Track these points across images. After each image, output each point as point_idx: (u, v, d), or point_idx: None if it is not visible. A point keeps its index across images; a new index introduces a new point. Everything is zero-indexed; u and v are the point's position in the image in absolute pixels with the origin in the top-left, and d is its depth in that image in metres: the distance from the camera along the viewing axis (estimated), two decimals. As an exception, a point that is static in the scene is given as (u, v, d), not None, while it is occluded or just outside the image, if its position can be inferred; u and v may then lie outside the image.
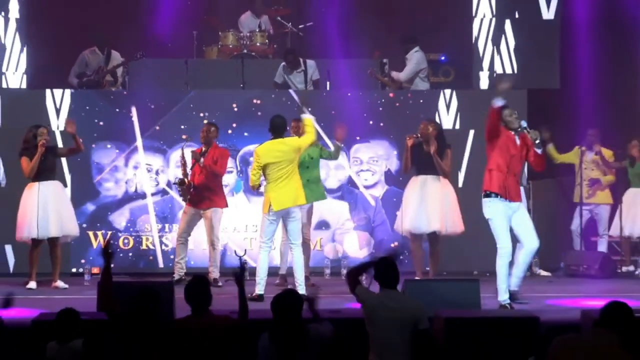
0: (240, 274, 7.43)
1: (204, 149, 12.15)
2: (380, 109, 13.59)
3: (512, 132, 10.07)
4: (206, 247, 12.43)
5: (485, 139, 10.45)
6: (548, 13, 14.37)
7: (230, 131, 13.35)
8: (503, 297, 10.09)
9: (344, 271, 12.60)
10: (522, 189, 11.39)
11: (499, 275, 10.21)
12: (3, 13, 14.18)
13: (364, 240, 13.52)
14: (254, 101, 13.42)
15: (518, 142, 10.08)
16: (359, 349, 7.72)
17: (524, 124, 10.07)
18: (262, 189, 11.24)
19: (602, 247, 13.74)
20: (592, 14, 14.61)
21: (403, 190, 12.63)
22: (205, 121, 12.61)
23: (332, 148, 12.09)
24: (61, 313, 7.77)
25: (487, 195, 10.25)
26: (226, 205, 12.31)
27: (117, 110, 13.45)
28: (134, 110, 13.35)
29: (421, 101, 13.63)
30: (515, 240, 10.50)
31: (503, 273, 10.18)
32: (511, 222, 10.19)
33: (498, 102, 9.98)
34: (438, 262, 12.33)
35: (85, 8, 14.76)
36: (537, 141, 10.06)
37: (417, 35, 14.12)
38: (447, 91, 13.76)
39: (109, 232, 13.24)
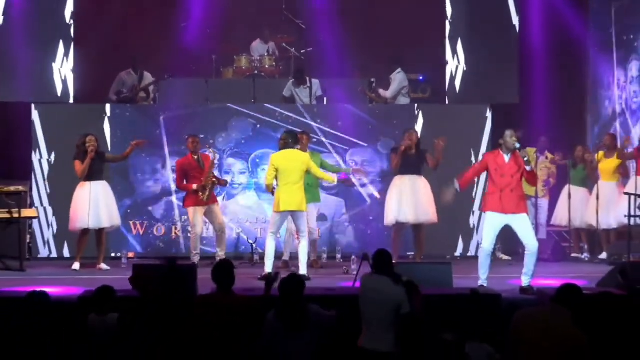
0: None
1: (194, 156, 12.18)
2: (370, 119, 13.59)
3: (502, 153, 9.94)
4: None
5: None
6: (509, 38, 14.35)
7: (243, 140, 13.39)
8: (480, 281, 10.01)
9: (339, 256, 12.80)
10: None
11: (479, 266, 10.15)
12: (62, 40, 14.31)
13: (358, 232, 13.50)
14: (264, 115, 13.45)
15: (507, 160, 9.92)
16: (352, 321, 7.69)
17: (517, 145, 9.91)
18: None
19: (542, 234, 13.66)
20: (545, 38, 14.64)
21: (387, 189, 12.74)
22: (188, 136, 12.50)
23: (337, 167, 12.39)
24: (99, 289, 7.85)
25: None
26: (217, 202, 12.41)
27: (149, 121, 13.47)
28: (162, 120, 13.38)
29: (403, 114, 13.64)
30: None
31: (480, 263, 10.10)
32: (513, 227, 10.01)
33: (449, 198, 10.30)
34: (423, 248, 12.30)
35: (124, 37, 14.78)
36: (526, 159, 9.92)
37: (399, 58, 14.10)
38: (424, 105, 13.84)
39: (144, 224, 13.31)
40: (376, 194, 13.36)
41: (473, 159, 13.44)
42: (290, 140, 10.98)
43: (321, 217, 12.97)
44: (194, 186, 12.04)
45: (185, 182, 12.16)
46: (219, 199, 12.74)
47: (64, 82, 14.14)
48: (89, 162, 11.89)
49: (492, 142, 13.46)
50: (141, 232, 13.32)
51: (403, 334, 7.45)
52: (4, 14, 13.81)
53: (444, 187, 10.48)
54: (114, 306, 7.69)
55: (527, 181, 10.34)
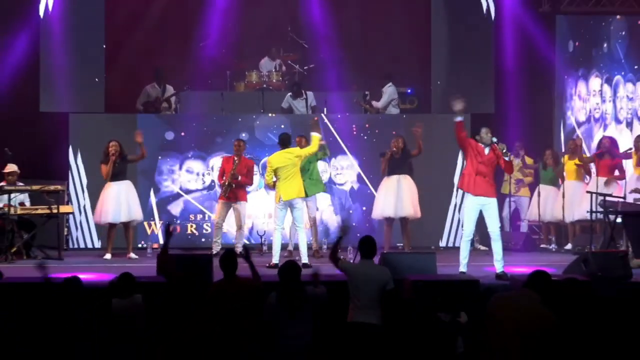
0: (246, 254, 7.65)
1: (235, 159, 12.16)
2: (367, 126, 13.58)
3: (483, 145, 9.92)
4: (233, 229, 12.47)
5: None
6: (486, 55, 14.33)
7: (255, 147, 13.36)
8: (461, 268, 9.98)
9: (324, 247, 12.72)
10: None
11: (460, 251, 10.12)
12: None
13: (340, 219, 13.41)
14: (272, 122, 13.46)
15: (487, 152, 9.90)
16: (344, 303, 7.74)
17: (494, 139, 9.91)
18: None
19: (524, 228, 13.73)
20: (517, 56, 14.61)
21: (369, 187, 12.81)
22: (237, 139, 12.54)
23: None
24: (121, 276, 7.87)
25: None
26: (247, 199, 12.37)
27: (171, 128, 13.46)
28: (184, 128, 13.42)
29: (393, 122, 13.63)
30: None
31: (462, 249, 10.05)
32: (483, 212, 9.94)
33: (457, 118, 9.95)
34: (410, 239, 12.33)
35: (149, 54, 14.79)
36: (504, 151, 9.92)
37: (390, 74, 14.11)
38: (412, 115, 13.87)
39: (169, 220, 13.17)
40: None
41: (459, 160, 13.39)
42: (281, 142, 11.36)
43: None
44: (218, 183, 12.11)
45: (223, 178, 12.19)
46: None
47: (98, 94, 14.10)
48: (110, 165, 11.94)
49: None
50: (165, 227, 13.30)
51: (387, 307, 7.51)
52: (46, 34, 13.81)
53: (452, 99, 10.28)
54: (134, 290, 7.71)
55: (504, 170, 10.42)
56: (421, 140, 12.09)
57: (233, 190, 12.09)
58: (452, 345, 7.67)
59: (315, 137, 11.25)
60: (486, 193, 9.95)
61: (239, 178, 12.08)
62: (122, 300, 7.63)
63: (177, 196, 13.42)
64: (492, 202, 10.01)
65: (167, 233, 8.01)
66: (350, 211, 13.43)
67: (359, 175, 13.51)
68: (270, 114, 13.58)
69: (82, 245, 13.30)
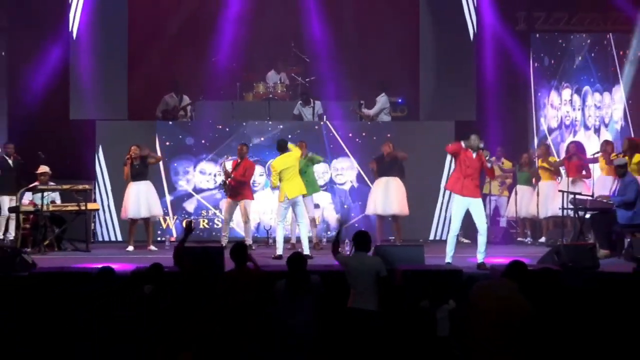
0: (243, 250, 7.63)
1: (239, 160, 12.12)
2: (362, 132, 13.58)
3: (471, 150, 9.88)
4: (242, 224, 12.41)
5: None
6: (468, 68, 14.25)
7: (261, 151, 13.37)
8: (447, 259, 9.95)
9: (324, 240, 12.73)
10: None
11: (447, 244, 10.08)
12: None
13: (339, 215, 13.35)
14: (277, 129, 13.44)
15: (474, 156, 9.86)
16: (343, 291, 7.73)
17: (481, 145, 9.88)
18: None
19: (503, 223, 13.69)
20: (496, 68, 14.58)
21: (367, 187, 12.76)
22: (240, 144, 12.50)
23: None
24: (152, 266, 7.89)
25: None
26: (252, 198, 12.29)
27: (187, 134, 13.46)
28: (198, 134, 13.40)
29: (384, 128, 13.61)
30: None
31: (449, 243, 10.04)
32: (470, 210, 9.89)
33: (484, 152, 9.91)
34: (400, 233, 12.34)
35: (167, 67, 14.76)
36: (487, 158, 9.92)
37: (383, 85, 14.09)
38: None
39: (186, 216, 13.20)
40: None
41: (446, 162, 13.38)
42: (279, 148, 11.37)
43: (316, 206, 12.83)
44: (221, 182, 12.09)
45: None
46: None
47: (121, 103, 14.08)
48: (129, 167, 11.96)
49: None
50: (173, 221, 13.31)
51: (382, 293, 7.48)
52: (75, 50, 13.80)
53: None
54: (162, 278, 7.71)
55: (487, 174, 10.39)
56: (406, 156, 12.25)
57: (238, 189, 12.03)
58: (434, 329, 7.66)
59: (302, 151, 11.59)
60: (472, 194, 9.94)
61: (232, 176, 12.00)
62: (152, 287, 7.64)
63: (191, 195, 13.40)
64: (478, 201, 9.99)
65: (188, 229, 8.02)
66: (345, 206, 13.41)
67: (358, 176, 13.46)
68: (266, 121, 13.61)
69: (106, 239, 13.30)
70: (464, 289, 7.14)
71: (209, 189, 13.39)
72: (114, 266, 8.39)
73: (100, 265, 8.00)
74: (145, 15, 14.71)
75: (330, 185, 13.45)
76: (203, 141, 13.39)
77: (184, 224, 12.59)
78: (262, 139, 13.40)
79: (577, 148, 12.94)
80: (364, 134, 13.54)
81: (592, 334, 7.11)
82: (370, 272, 7.47)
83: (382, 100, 13.95)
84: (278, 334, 7.16)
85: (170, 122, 13.68)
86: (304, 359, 6.98)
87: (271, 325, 7.20)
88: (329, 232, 13.00)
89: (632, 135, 13.91)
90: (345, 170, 13.55)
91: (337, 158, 13.45)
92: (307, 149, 11.99)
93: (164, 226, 13.22)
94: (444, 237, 13.04)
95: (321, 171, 13.08)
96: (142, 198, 12.04)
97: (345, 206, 13.44)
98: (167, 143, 13.32)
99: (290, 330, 7.10)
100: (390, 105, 14.19)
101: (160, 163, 12.98)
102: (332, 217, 13.41)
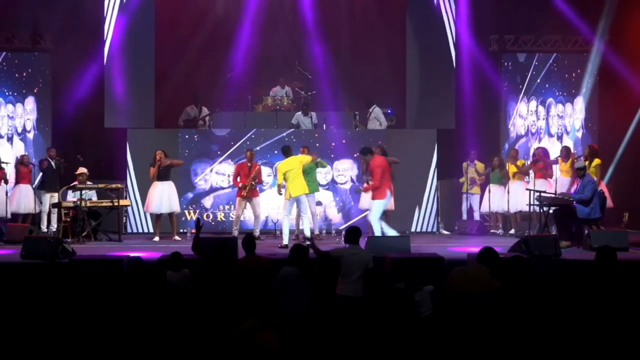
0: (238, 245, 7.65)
1: (248, 164, 12.15)
2: (356, 138, 13.52)
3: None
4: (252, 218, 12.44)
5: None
6: (448, 81, 14.19)
7: (269, 154, 13.35)
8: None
9: (333, 232, 12.74)
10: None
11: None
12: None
13: (340, 213, 13.40)
14: (284, 135, 13.42)
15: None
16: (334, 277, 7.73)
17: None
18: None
19: (477, 217, 13.59)
20: (473, 82, 14.51)
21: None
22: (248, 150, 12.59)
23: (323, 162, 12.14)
24: (172, 254, 7.90)
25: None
26: (258, 195, 12.30)
27: (205, 140, 13.45)
28: (215, 140, 13.39)
29: (376, 135, 13.53)
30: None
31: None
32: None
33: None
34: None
35: (189, 81, 14.74)
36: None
37: (371, 99, 14.06)
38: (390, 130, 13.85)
39: (197, 212, 13.19)
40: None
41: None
42: (284, 152, 11.44)
43: (317, 203, 12.83)
44: (240, 184, 12.04)
45: (238, 180, 12.15)
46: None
47: (149, 113, 14.10)
48: (156, 169, 11.96)
49: (438, 153, 13.53)
50: (195, 216, 13.29)
51: (369, 283, 7.50)
52: (109, 67, 13.81)
53: None
54: (183, 265, 7.73)
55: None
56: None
57: (250, 190, 12.08)
58: (414, 310, 7.64)
59: (313, 157, 11.53)
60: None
61: (255, 181, 12.08)
62: (174, 273, 7.64)
63: (208, 192, 13.39)
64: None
65: (198, 226, 8.06)
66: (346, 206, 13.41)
67: (357, 177, 13.40)
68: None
69: (136, 230, 13.28)
70: (444, 274, 7.15)
71: (221, 188, 13.37)
72: (142, 254, 8.44)
73: (130, 254, 8.01)
74: (169, 39, 14.71)
75: (331, 185, 13.42)
76: (219, 146, 13.38)
77: (195, 222, 12.64)
78: (270, 141, 13.39)
79: (543, 153, 13.04)
80: (357, 139, 13.49)
81: (555, 309, 7.13)
82: (361, 263, 7.48)
83: (376, 111, 13.95)
84: (280, 312, 7.16)
85: (191, 130, 13.68)
86: (301, 333, 6.97)
87: (274, 303, 7.21)
88: (332, 227, 12.93)
89: (592, 142, 13.93)
90: (345, 170, 13.50)
91: (340, 159, 13.41)
92: (317, 155, 11.90)
93: (189, 218, 13.21)
94: (424, 230, 13.13)
95: (324, 171, 13.06)
96: (164, 196, 12.05)
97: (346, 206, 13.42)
98: (187, 150, 13.31)
99: (291, 306, 7.10)
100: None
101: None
102: (333, 214, 13.38)
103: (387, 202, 10.64)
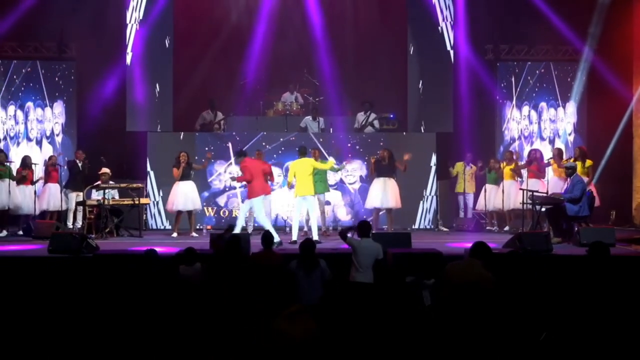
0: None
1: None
2: (360, 141, 13.55)
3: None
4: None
5: None
6: (447, 87, 14.20)
7: (280, 152, 13.35)
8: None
9: (340, 228, 12.69)
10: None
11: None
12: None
13: (349, 211, 13.45)
14: (292, 138, 13.44)
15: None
16: (344, 268, 7.80)
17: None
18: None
19: (469, 215, 13.56)
20: (470, 88, 14.49)
21: (369, 185, 12.72)
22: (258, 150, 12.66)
23: (339, 165, 12.05)
24: (186, 249, 7.89)
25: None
26: (270, 193, 12.16)
27: (221, 143, 13.45)
28: (230, 143, 13.34)
29: (378, 139, 13.55)
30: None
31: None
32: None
33: None
34: (392, 223, 12.30)
35: (205, 87, 14.72)
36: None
37: (370, 103, 13.96)
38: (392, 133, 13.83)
39: (218, 208, 13.21)
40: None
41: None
42: (300, 152, 11.29)
43: (326, 203, 12.85)
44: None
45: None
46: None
47: (168, 118, 14.10)
48: (181, 169, 11.92)
49: (437, 156, 13.50)
50: (212, 213, 13.31)
51: (378, 271, 7.61)
52: (130, 75, 13.85)
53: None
54: (196, 260, 7.71)
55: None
56: (407, 164, 12.07)
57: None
58: (420, 299, 7.66)
59: (331, 162, 11.49)
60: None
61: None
62: (187, 267, 7.63)
63: (223, 191, 13.41)
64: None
65: (227, 232, 8.05)
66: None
67: (365, 177, 13.38)
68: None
69: (155, 227, 13.32)
70: (443, 268, 7.14)
71: (235, 187, 13.37)
72: (161, 249, 8.43)
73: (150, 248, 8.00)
74: (186, 48, 14.76)
75: (340, 185, 13.41)
76: (233, 148, 13.35)
77: (225, 226, 12.69)
78: (280, 140, 13.42)
79: (537, 154, 12.97)
80: (361, 142, 13.51)
81: (548, 301, 7.11)
82: (371, 254, 7.61)
83: (372, 116, 13.92)
84: (292, 298, 7.24)
85: (207, 134, 13.69)
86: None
87: (286, 291, 7.28)
88: (338, 225, 12.90)
89: (582, 144, 13.89)
90: (354, 171, 13.51)
91: (348, 160, 13.36)
92: (334, 160, 11.86)
93: (207, 214, 13.22)
94: (425, 226, 13.08)
95: (333, 173, 13.05)
96: (188, 195, 12.07)
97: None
98: (205, 148, 13.29)
99: (302, 297, 7.21)
100: (383, 120, 14.11)
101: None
102: (341, 212, 13.38)
103: (261, 200, 10.70)
